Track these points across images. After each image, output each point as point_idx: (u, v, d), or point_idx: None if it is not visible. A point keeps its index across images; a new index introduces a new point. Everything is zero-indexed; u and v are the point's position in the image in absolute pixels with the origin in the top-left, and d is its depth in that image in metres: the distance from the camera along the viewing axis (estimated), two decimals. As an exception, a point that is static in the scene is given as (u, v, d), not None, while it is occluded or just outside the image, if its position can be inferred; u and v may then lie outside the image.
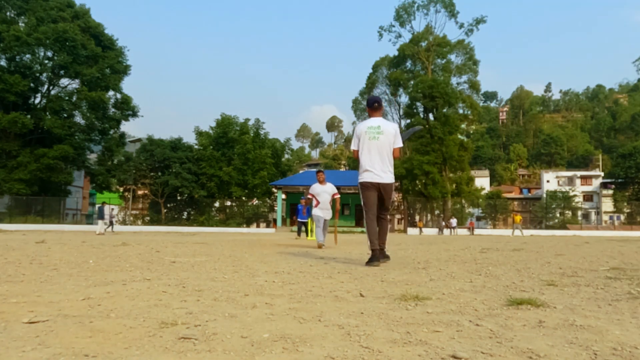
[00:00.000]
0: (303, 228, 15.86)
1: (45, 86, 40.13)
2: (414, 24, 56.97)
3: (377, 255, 4.55)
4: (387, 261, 4.79)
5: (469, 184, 47.02)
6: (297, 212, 16.40)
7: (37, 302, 2.32)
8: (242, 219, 44.83)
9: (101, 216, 21.73)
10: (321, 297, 2.61)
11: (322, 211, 8.94)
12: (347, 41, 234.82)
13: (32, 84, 37.99)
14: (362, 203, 4.73)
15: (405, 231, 43.05)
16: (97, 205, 28.63)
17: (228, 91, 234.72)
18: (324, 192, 9.01)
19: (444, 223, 38.37)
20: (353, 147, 4.80)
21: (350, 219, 40.73)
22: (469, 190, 46.53)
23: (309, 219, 14.57)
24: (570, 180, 68.19)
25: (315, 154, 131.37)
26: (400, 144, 4.70)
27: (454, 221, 37.82)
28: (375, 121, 4.69)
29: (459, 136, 48.64)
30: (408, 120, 50.25)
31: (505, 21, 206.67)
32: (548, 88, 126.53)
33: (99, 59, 39.33)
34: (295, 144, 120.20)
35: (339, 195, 9.15)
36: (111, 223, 26.92)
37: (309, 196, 9.20)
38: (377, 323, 1.92)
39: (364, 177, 4.67)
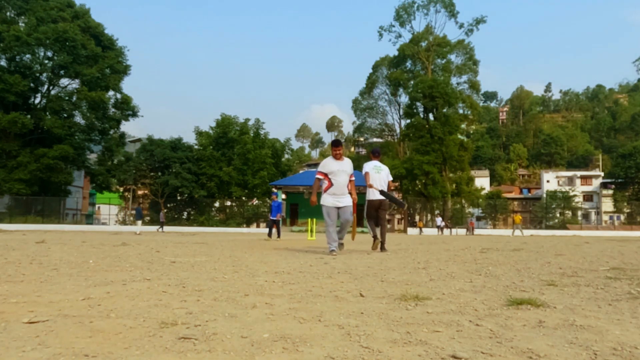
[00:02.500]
0: (274, 229, 15.06)
1: (45, 86, 40.16)
2: (414, 24, 57.07)
3: (378, 242, 7.25)
4: (387, 252, 6.82)
5: (469, 184, 47.04)
6: (271, 209, 15.48)
7: (37, 302, 2.32)
8: (242, 219, 44.80)
9: (139, 217, 22.35)
10: (321, 297, 2.61)
11: (336, 197, 6.32)
12: (347, 41, 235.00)
13: (32, 84, 37.99)
14: (365, 213, 7.33)
15: (405, 231, 43.06)
16: (135, 207, 30.86)
17: (228, 91, 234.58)
18: (341, 172, 6.32)
19: (443, 223, 38.26)
20: (365, 174, 7.18)
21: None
22: (469, 190, 46.54)
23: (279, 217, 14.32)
24: (570, 180, 68.11)
25: (315, 154, 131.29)
26: (391, 178, 7.41)
27: (438, 220, 37.59)
28: (377, 163, 7.38)
29: (459, 136, 48.66)
30: (408, 120, 50.31)
31: (505, 21, 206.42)
32: (548, 88, 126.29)
33: (99, 59, 39.33)
34: (295, 144, 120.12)
35: (354, 179, 6.67)
36: (162, 224, 28.48)
37: (319, 176, 6.43)
38: (377, 323, 1.92)
39: (369, 196, 7.21)
